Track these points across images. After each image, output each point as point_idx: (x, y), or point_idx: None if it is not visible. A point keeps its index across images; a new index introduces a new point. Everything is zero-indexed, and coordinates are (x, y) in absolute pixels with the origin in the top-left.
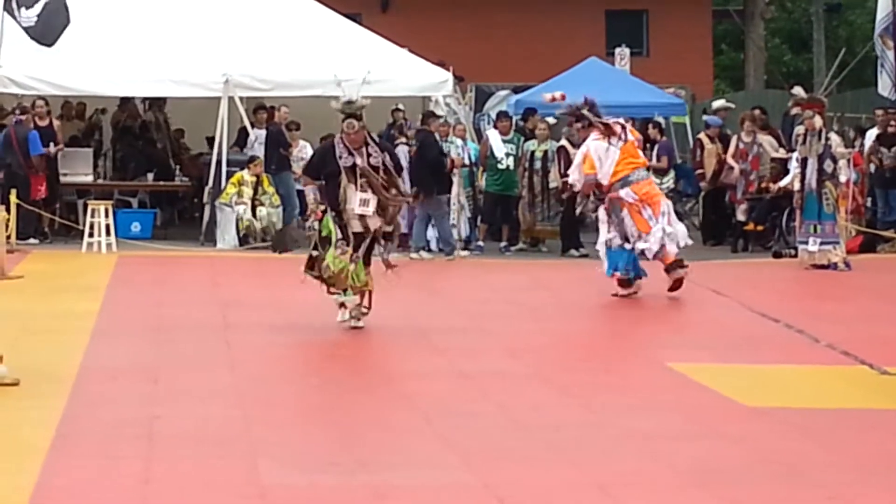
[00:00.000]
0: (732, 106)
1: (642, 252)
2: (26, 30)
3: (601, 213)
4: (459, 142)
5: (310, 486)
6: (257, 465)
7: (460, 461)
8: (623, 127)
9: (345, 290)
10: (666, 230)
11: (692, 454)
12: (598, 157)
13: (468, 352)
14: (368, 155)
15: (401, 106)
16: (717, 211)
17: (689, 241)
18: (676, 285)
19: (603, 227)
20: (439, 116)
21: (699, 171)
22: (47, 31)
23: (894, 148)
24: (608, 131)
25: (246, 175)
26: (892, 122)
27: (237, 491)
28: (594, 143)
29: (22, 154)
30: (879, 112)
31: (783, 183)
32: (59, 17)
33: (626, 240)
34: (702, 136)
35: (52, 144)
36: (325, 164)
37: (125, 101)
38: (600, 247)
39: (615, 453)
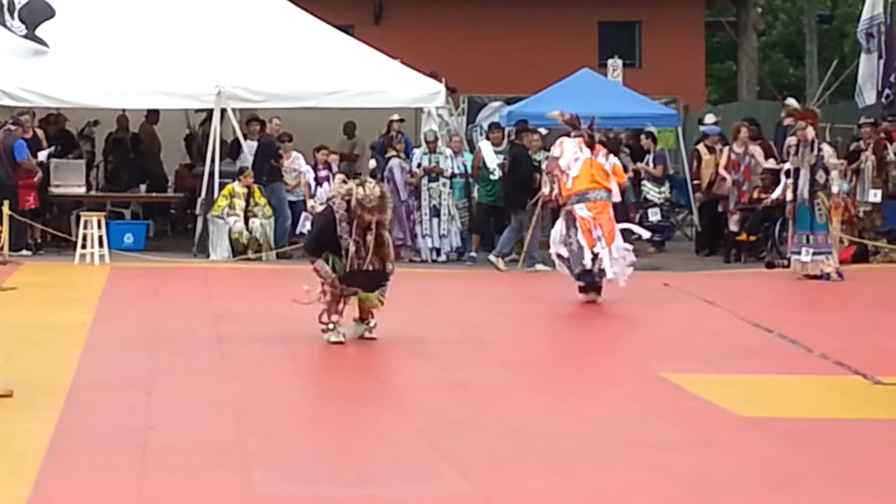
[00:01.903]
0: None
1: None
2: (24, 37)
3: (559, 222)
4: (449, 152)
5: (306, 498)
6: (252, 477)
7: (457, 472)
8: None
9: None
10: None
11: (687, 464)
12: (567, 149)
13: (463, 363)
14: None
15: (398, 116)
16: (711, 221)
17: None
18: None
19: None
20: (533, 130)
21: (696, 181)
22: (31, 21)
23: (854, 164)
24: (589, 142)
25: (237, 187)
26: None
27: (232, 503)
28: (569, 140)
29: (10, 164)
30: (867, 130)
31: (774, 195)
32: (41, 9)
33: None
34: (700, 146)
35: (39, 154)
36: (329, 240)
37: (152, 113)
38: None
39: (610, 463)
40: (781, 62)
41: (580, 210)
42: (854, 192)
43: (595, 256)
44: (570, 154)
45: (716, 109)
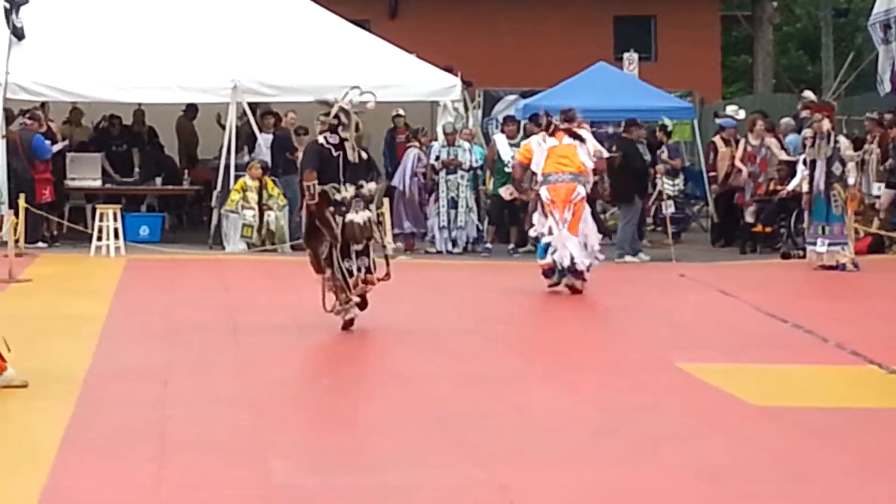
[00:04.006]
0: (740, 116)
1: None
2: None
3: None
4: (467, 145)
5: (322, 487)
6: (269, 466)
7: (472, 461)
8: (571, 133)
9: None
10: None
11: (701, 454)
12: (534, 149)
13: (479, 353)
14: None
15: (401, 111)
16: (727, 213)
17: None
18: (569, 290)
19: (536, 218)
20: (640, 125)
21: (712, 173)
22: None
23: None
24: (551, 131)
25: (248, 180)
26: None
27: (249, 492)
28: (533, 139)
29: (26, 158)
30: (869, 124)
31: (791, 186)
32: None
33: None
34: (716, 139)
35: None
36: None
37: (190, 108)
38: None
39: (624, 453)
40: (800, 58)
41: (542, 194)
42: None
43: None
44: (537, 151)
45: (732, 102)
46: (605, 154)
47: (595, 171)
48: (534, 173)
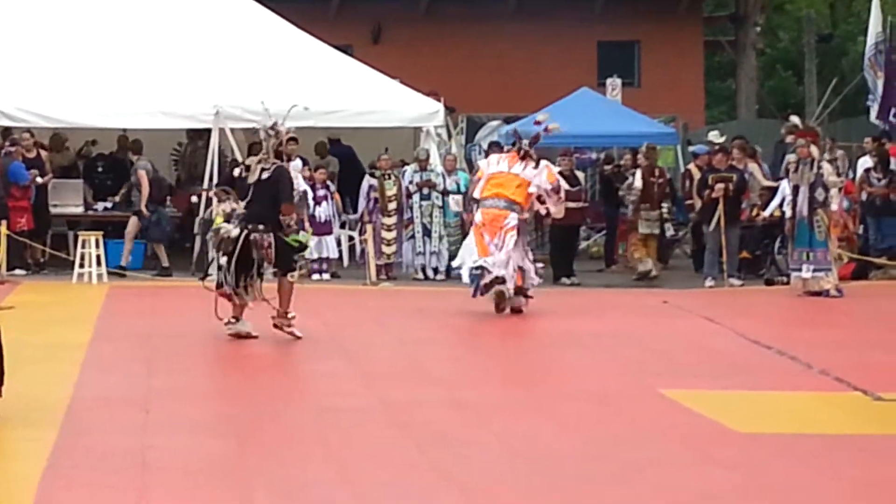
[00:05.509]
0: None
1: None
2: None
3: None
4: (440, 169)
5: None
6: (252, 495)
7: (457, 492)
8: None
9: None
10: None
11: (687, 481)
12: (486, 166)
13: (463, 381)
14: None
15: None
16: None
17: (536, 282)
18: (512, 309)
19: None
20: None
21: (689, 201)
22: None
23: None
24: (522, 156)
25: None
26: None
27: None
28: (495, 156)
29: (3, 185)
30: (868, 140)
31: (766, 213)
32: None
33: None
34: (691, 166)
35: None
36: None
37: (192, 139)
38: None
39: (610, 481)
40: (788, 79)
41: (476, 215)
42: (854, 211)
43: (482, 268)
44: (485, 170)
45: (715, 128)
46: (565, 186)
47: (540, 200)
48: (473, 199)
